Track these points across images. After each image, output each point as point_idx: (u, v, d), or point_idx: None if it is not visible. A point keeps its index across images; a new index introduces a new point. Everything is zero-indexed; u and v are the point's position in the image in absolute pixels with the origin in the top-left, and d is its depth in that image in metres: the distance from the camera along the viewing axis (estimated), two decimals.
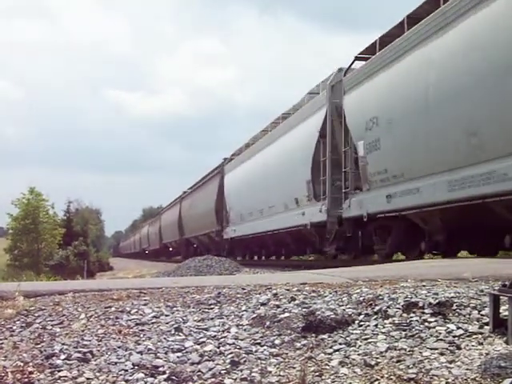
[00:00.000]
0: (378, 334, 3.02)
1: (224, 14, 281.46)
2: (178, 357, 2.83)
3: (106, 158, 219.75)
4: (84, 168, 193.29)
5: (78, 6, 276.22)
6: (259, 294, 3.96)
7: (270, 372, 2.67)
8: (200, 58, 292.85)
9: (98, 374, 2.65)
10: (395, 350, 2.82)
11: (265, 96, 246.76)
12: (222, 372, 2.68)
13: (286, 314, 3.39)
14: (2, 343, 3.09)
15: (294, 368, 2.70)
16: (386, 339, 2.95)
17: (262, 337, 3.10)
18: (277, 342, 3.03)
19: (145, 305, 3.71)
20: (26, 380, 2.59)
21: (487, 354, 2.70)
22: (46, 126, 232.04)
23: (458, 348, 2.79)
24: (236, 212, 23.95)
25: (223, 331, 3.20)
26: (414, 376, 2.53)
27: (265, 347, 2.96)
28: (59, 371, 2.68)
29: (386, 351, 2.81)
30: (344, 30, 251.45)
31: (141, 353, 2.87)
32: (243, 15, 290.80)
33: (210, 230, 28.57)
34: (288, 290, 4.01)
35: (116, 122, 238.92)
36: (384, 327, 3.10)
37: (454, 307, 3.25)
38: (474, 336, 2.92)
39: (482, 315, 3.13)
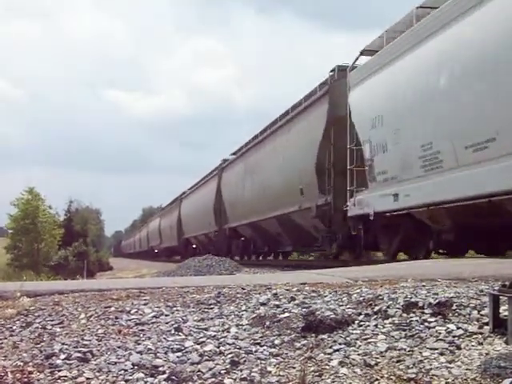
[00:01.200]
0: (377, 334, 3.02)
1: (223, 13, 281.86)
2: (177, 357, 2.83)
3: (105, 158, 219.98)
4: (84, 168, 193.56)
5: (77, 6, 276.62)
6: (259, 293, 3.96)
7: (270, 372, 2.67)
8: (199, 58, 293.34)
9: (97, 374, 2.65)
10: (395, 350, 2.82)
11: (264, 96, 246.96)
12: (222, 372, 2.68)
13: (286, 314, 3.39)
14: (2, 343, 3.09)
15: (294, 368, 2.70)
16: (385, 339, 2.95)
17: (261, 337, 3.10)
18: (277, 341, 3.03)
19: (145, 305, 3.71)
20: (26, 380, 2.59)
21: (487, 353, 2.70)
22: (45, 126, 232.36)
23: (458, 348, 2.79)
24: (406, 156, 9.99)
25: (223, 331, 3.20)
26: (413, 376, 2.53)
27: (265, 347, 2.96)
28: (59, 371, 2.68)
29: (385, 351, 2.81)
30: (343, 30, 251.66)
31: (140, 353, 2.86)
32: (242, 14, 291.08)
33: (295, 208, 15.49)
34: (288, 289, 4.01)
35: (116, 121, 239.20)
36: (384, 327, 3.10)
37: (454, 307, 3.24)
38: (474, 336, 2.92)
39: (481, 315, 3.13)
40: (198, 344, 3.00)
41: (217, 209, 24.71)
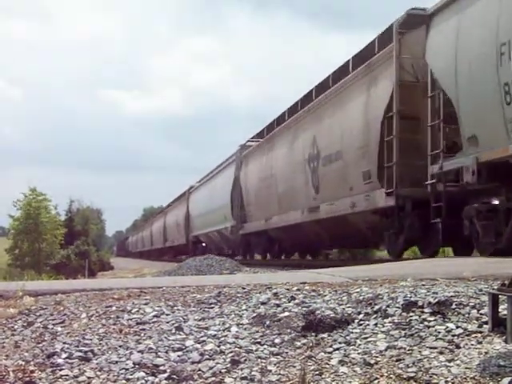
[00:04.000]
0: (377, 333, 3.03)
1: (219, 13, 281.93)
2: (178, 356, 2.84)
3: (105, 158, 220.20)
4: (84, 168, 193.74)
5: (75, 6, 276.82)
6: (259, 293, 3.97)
7: (270, 371, 2.68)
8: (196, 57, 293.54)
9: (98, 373, 2.67)
10: (395, 348, 2.83)
11: (262, 94, 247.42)
12: (223, 371, 2.69)
13: (286, 313, 3.40)
14: (4, 342, 3.11)
15: (294, 367, 2.71)
16: (385, 338, 2.96)
17: (262, 336, 3.11)
18: (277, 341, 3.04)
19: (146, 304, 3.72)
20: (28, 379, 2.61)
21: (486, 352, 2.71)
22: (45, 126, 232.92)
23: (458, 347, 2.80)
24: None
25: (224, 330, 3.21)
26: (413, 375, 2.54)
27: (265, 346, 2.98)
28: (60, 370, 2.69)
29: (385, 350, 2.82)
30: (341, 30, 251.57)
31: (141, 352, 2.88)
32: (238, 13, 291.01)
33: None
34: (288, 289, 4.02)
35: (115, 121, 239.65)
36: (384, 326, 3.11)
37: (454, 306, 3.25)
38: (473, 335, 2.93)
39: (481, 314, 3.14)
40: (199, 343, 3.01)
41: None
